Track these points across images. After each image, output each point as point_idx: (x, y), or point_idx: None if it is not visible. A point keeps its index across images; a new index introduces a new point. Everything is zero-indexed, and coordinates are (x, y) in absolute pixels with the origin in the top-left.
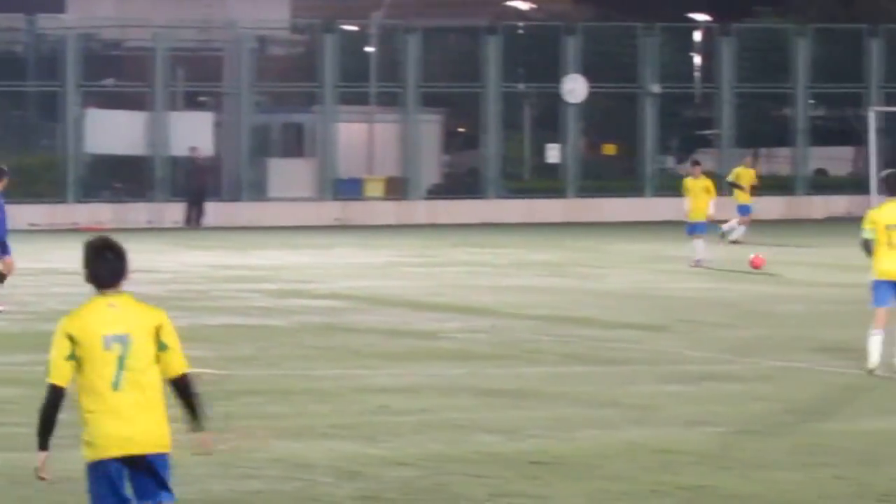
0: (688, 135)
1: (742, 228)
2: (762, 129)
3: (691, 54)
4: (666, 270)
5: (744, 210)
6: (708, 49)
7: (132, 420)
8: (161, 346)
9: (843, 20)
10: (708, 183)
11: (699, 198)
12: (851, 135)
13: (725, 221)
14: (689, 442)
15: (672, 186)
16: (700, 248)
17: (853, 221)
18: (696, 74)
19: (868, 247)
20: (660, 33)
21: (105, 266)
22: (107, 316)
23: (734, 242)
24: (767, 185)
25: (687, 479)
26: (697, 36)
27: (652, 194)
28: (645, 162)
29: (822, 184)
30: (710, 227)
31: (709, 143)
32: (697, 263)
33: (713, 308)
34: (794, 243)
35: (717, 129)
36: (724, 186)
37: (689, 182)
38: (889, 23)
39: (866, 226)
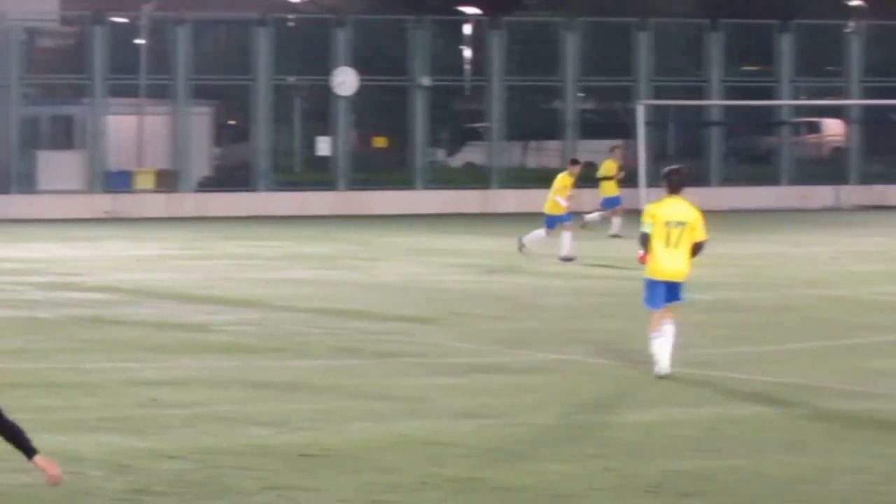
0: (458, 127)
1: (619, 220)
2: (532, 122)
3: (461, 47)
4: (437, 263)
5: (612, 202)
6: (478, 42)
7: None
8: None
9: (612, 14)
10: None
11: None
12: (620, 128)
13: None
14: (458, 434)
15: (442, 179)
16: (568, 240)
17: (621, 213)
18: (467, 67)
19: (645, 242)
20: (430, 26)
21: None
22: None
23: (615, 236)
24: (537, 178)
25: (456, 472)
26: (467, 29)
27: (422, 187)
28: (415, 154)
29: (591, 176)
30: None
31: (479, 136)
32: (566, 258)
33: (483, 300)
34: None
35: (487, 121)
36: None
37: (566, 179)
38: (657, 16)
39: (646, 220)
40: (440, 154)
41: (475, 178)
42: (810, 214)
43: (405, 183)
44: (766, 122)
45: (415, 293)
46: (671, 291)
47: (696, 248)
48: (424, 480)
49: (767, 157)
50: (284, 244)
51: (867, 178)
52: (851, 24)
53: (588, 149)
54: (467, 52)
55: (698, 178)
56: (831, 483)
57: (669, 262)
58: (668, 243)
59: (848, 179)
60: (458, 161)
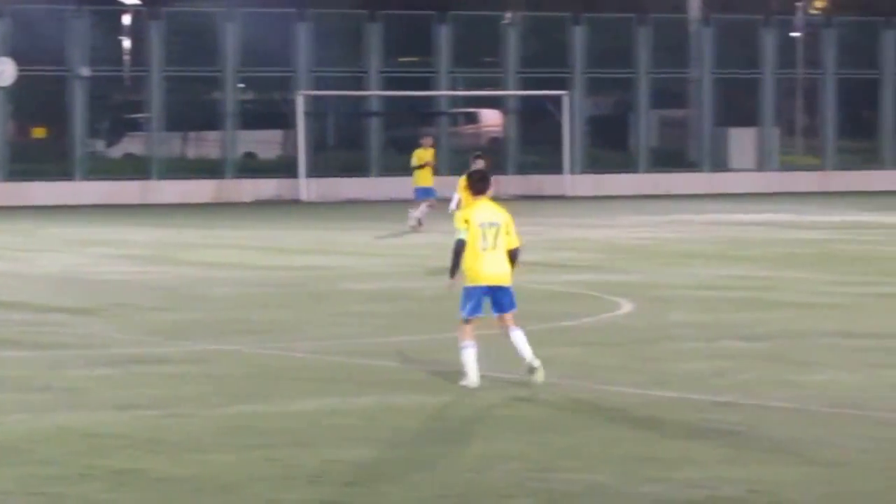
0: (118, 118)
1: (424, 210)
2: (192, 112)
3: (121, 37)
4: (97, 254)
5: (427, 192)
6: (137, 32)
7: None
8: None
9: (271, 5)
10: None
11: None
12: (281, 118)
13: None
14: (118, 425)
15: (102, 170)
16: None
17: (282, 204)
18: (126, 58)
19: (461, 249)
20: (89, 16)
21: None
22: None
23: (414, 226)
24: (197, 168)
25: (117, 463)
26: (127, 19)
27: (82, 178)
28: (74, 145)
29: (251, 167)
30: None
31: (139, 127)
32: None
33: (144, 291)
34: (223, 226)
35: (147, 112)
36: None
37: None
38: (316, 7)
39: (460, 226)
40: (100, 145)
41: (135, 168)
42: None
43: (64, 174)
44: (425, 112)
45: (75, 284)
46: (502, 299)
47: (514, 257)
48: (84, 472)
49: None
50: None
51: (524, 168)
52: (508, 17)
53: (247, 139)
54: (127, 43)
55: (358, 169)
56: (492, 471)
57: (491, 265)
58: (485, 246)
59: (506, 170)
60: (117, 152)
